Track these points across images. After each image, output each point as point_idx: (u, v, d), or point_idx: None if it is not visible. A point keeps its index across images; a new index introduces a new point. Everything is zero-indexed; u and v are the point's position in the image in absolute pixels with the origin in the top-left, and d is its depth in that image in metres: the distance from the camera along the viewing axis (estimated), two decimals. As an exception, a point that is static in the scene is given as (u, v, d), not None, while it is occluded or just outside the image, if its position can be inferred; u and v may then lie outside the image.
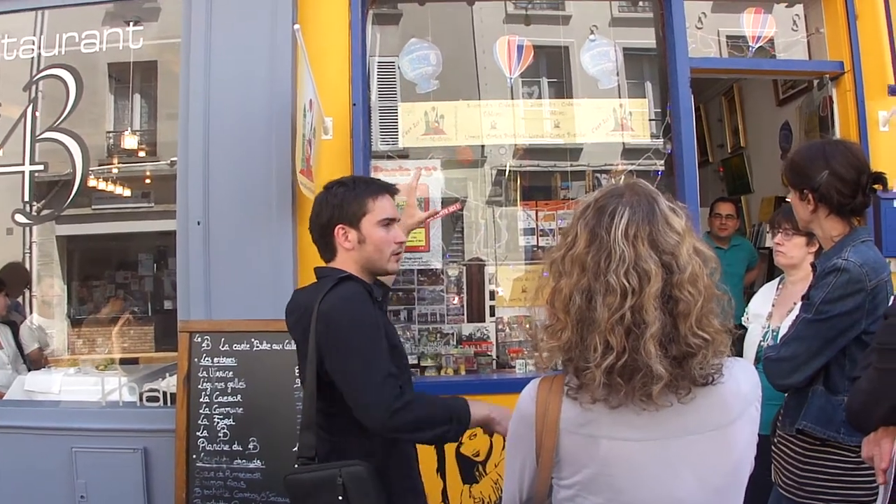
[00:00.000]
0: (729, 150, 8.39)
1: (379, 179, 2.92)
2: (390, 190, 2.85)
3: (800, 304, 2.99)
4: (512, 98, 5.39)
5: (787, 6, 5.75)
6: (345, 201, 2.72)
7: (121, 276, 10.81)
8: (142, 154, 8.12)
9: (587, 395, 1.72)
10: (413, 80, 5.25)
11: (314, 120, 4.46)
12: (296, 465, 2.58)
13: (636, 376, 1.66)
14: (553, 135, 5.39)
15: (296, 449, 2.66)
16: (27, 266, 8.10)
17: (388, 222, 2.77)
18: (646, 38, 5.60)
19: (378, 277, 2.88)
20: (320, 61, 4.72)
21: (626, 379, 1.67)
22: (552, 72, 5.74)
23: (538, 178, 5.59)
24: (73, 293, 10.22)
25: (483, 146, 5.40)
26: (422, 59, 5.23)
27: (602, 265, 1.70)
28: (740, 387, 1.78)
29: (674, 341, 1.67)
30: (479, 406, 2.60)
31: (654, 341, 1.64)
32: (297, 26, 4.33)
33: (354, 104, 4.80)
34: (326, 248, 2.79)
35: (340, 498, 2.43)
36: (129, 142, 7.45)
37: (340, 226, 2.71)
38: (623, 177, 5.27)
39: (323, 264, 2.80)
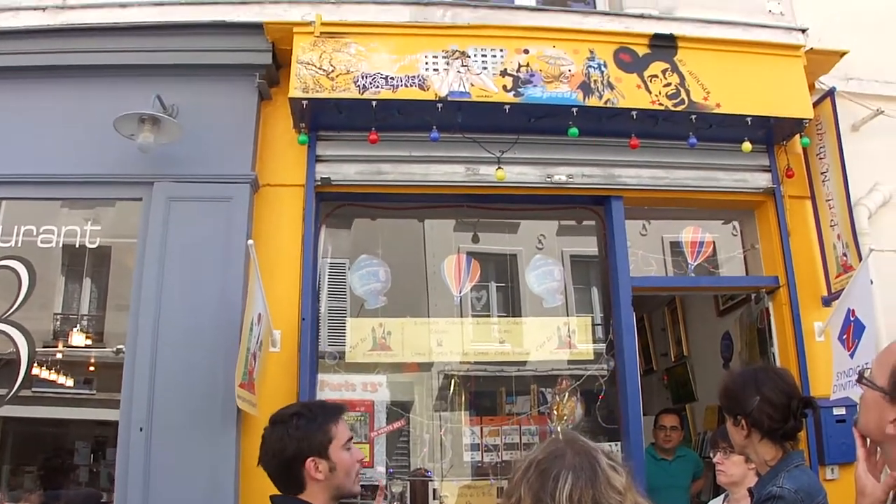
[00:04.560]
0: (673, 359, 8.53)
1: (327, 402, 2.96)
2: (343, 410, 2.84)
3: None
4: (461, 316, 5.53)
5: (723, 223, 6.06)
6: (310, 432, 2.62)
7: (56, 463, 10.39)
8: (88, 341, 8.01)
9: None
10: (362, 295, 5.38)
11: (261, 333, 4.51)
12: None
13: None
14: (498, 352, 5.49)
15: None
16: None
17: (349, 443, 2.73)
18: (592, 247, 5.86)
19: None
20: (272, 272, 4.84)
21: None
22: (500, 277, 5.89)
23: (484, 383, 5.62)
24: (2, 478, 9.78)
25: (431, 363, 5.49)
26: (371, 275, 5.37)
27: None
28: None
29: None
30: None
31: None
32: (250, 242, 4.46)
33: (304, 318, 4.88)
34: (291, 481, 2.63)
35: None
36: (77, 339, 7.38)
37: (311, 458, 2.60)
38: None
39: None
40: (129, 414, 4.67)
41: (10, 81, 5.28)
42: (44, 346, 7.44)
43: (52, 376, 7.66)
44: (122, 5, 5.38)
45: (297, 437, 2.60)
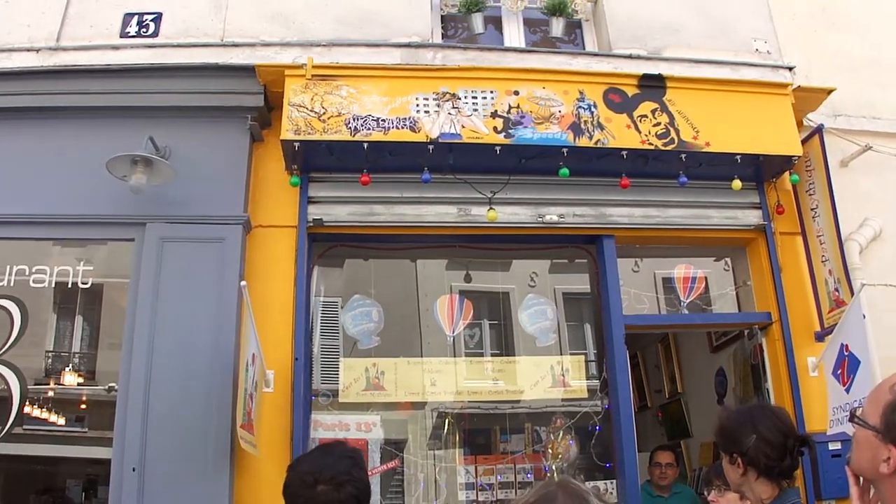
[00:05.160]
0: (667, 396, 8.50)
1: (335, 442, 2.98)
2: None
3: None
4: (454, 355, 5.54)
5: (715, 260, 6.08)
6: (367, 477, 2.62)
7: (48, 502, 10.28)
8: (79, 380, 7.97)
9: None
10: (355, 335, 5.38)
11: (256, 374, 4.49)
12: None
13: None
14: (492, 391, 5.48)
15: None
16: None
17: None
18: (584, 285, 5.85)
19: None
20: (264, 313, 4.82)
21: None
22: (493, 315, 5.89)
23: (479, 422, 5.60)
24: (-9, 519, 9.67)
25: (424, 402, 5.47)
26: (364, 315, 5.37)
27: None
28: None
29: None
30: None
31: None
32: (243, 283, 4.45)
33: (297, 359, 4.87)
34: None
35: None
36: (69, 377, 7.36)
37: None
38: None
39: None
40: (121, 453, 4.63)
41: (3, 122, 5.29)
42: (35, 384, 7.41)
43: (44, 414, 7.62)
44: (115, 47, 5.43)
45: (363, 486, 2.56)
